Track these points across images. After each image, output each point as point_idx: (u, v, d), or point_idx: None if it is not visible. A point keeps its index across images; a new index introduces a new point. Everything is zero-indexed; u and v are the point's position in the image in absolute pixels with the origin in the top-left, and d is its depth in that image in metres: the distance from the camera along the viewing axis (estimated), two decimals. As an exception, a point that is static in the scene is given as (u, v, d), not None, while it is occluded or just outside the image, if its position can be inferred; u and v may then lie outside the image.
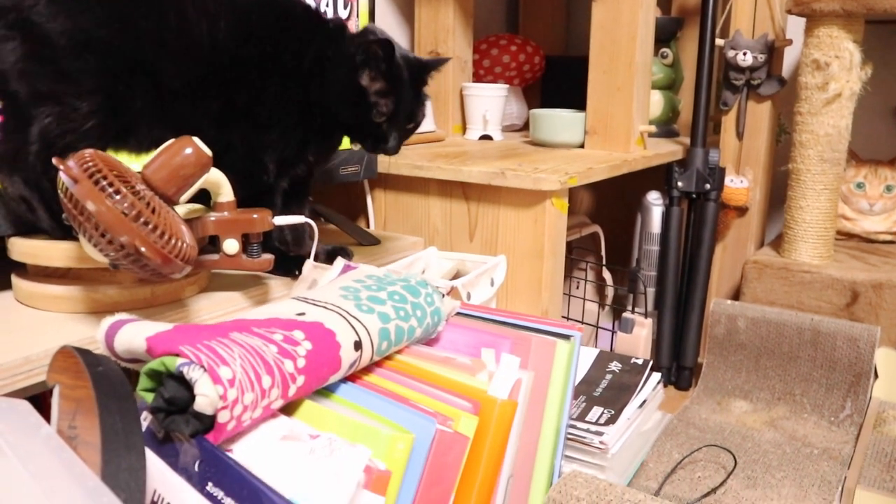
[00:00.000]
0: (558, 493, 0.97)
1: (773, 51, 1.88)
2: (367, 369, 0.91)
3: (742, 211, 1.96)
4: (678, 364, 1.89)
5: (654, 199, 1.97)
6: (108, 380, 0.68)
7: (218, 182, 0.97)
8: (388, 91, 1.10)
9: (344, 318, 0.86)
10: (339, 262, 1.09)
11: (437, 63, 1.17)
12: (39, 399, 0.83)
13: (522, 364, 0.94)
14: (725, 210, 1.96)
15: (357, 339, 0.85)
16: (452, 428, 0.81)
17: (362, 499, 0.69)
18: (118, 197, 0.80)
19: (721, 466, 1.40)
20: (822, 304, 1.70)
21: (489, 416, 0.84)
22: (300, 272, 1.09)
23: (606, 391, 1.29)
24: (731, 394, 1.71)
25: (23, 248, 0.97)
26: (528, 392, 0.91)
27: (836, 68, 1.66)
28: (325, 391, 0.84)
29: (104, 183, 0.81)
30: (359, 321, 0.87)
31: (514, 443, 0.89)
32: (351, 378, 0.88)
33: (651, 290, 2.00)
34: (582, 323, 1.95)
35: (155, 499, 0.71)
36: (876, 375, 1.61)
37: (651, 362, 1.36)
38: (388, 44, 1.07)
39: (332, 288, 0.96)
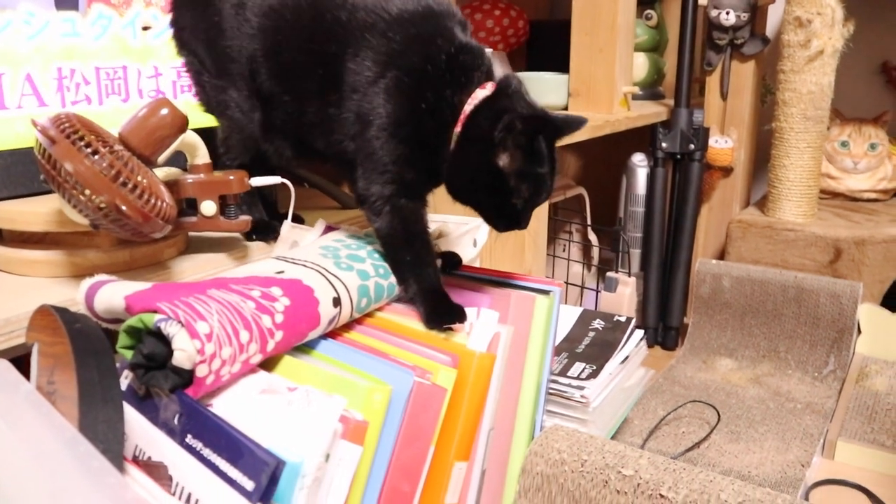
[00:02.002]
0: (540, 445, 0.99)
1: (756, 9, 1.87)
2: (348, 326, 0.91)
3: (727, 171, 1.97)
4: (664, 324, 1.90)
5: (639, 160, 1.98)
6: (86, 335, 0.68)
7: (194, 144, 0.97)
8: (531, 173, 0.91)
9: (322, 275, 0.86)
10: (321, 223, 1.09)
11: (574, 125, 0.94)
12: (21, 361, 0.83)
13: (501, 319, 0.95)
14: (710, 171, 1.96)
15: (336, 296, 0.85)
16: (431, 380, 0.82)
17: (340, 448, 0.70)
18: (96, 157, 0.81)
19: (705, 422, 1.42)
20: (806, 261, 1.71)
21: (468, 368, 0.84)
22: (277, 237, 1.09)
23: (589, 348, 1.30)
24: (717, 352, 1.72)
25: (0, 214, 0.97)
26: (508, 346, 0.92)
27: (817, 25, 1.65)
28: (306, 347, 0.85)
29: (81, 143, 0.81)
30: (337, 278, 0.88)
31: (494, 396, 0.90)
32: (331, 334, 0.89)
33: (637, 252, 2.01)
34: (567, 284, 1.95)
35: (136, 454, 0.72)
36: (859, 331, 1.63)
37: (633, 319, 1.37)
38: (532, 119, 0.89)
39: (311, 247, 0.96)
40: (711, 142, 1.92)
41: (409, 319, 0.94)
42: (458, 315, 0.92)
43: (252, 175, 1.03)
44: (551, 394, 1.16)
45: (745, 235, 1.78)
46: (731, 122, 1.95)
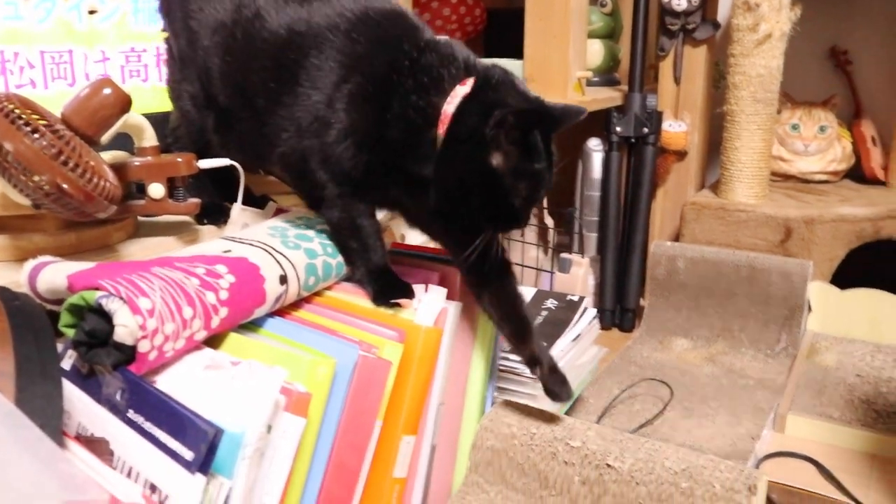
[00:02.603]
0: (490, 420, 1.00)
1: (707, -5, 1.90)
2: (296, 304, 0.92)
3: (681, 155, 1.99)
4: (621, 306, 1.93)
5: (595, 145, 1.99)
6: (25, 312, 0.68)
7: (140, 126, 0.97)
8: (528, 170, 0.86)
9: (269, 253, 0.87)
10: (271, 205, 1.10)
11: (573, 115, 0.90)
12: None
13: (450, 296, 0.96)
14: (665, 155, 1.99)
15: (283, 274, 0.86)
16: (376, 355, 0.82)
17: (283, 420, 0.71)
18: (36, 136, 0.80)
19: (659, 399, 1.44)
20: (758, 241, 1.74)
21: (414, 342, 0.85)
22: (227, 220, 1.09)
23: (541, 326, 1.31)
24: (673, 333, 1.74)
25: (-55, 199, 0.96)
26: (456, 322, 0.93)
27: (765, 9, 1.68)
28: (253, 325, 0.85)
29: (21, 122, 0.80)
30: (284, 256, 0.88)
31: (442, 371, 0.91)
32: (279, 313, 0.89)
33: (593, 235, 2.03)
34: (524, 267, 1.97)
35: (79, 431, 0.72)
36: (809, 308, 1.66)
37: (586, 298, 1.39)
38: (526, 112, 0.84)
39: (260, 228, 0.97)
40: (665, 126, 1.94)
41: (357, 297, 0.94)
42: (405, 291, 0.92)
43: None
44: (502, 371, 1.17)
45: (698, 217, 1.81)
46: (685, 107, 1.98)
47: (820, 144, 1.94)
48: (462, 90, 0.86)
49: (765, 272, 1.65)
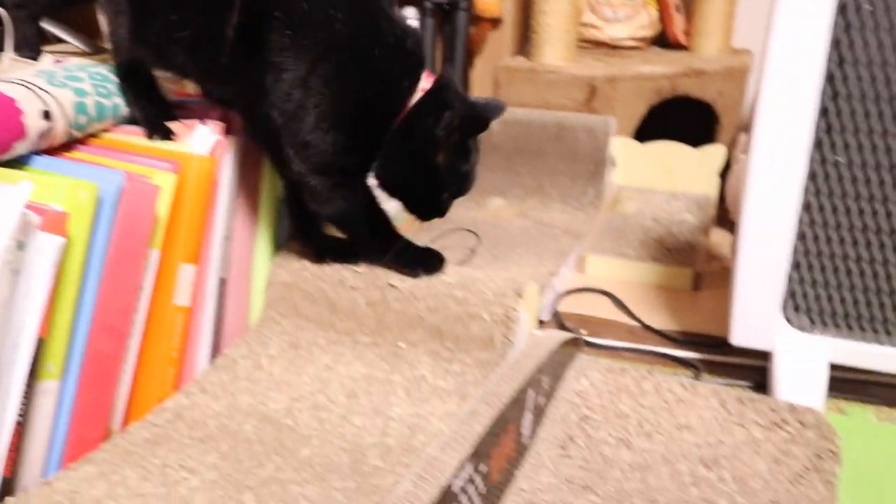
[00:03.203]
0: (282, 257, 1.03)
1: None
2: (69, 146, 0.90)
3: (495, 22, 2.02)
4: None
5: (411, 14, 2.00)
6: None
7: None
8: (461, 170, 0.95)
9: (29, 88, 0.84)
10: (48, 57, 1.06)
11: (496, 112, 0.98)
12: None
13: (231, 132, 0.96)
14: (480, 23, 2.01)
15: (46, 109, 0.84)
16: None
17: (38, 239, 0.71)
18: None
19: (469, 249, 1.50)
20: (566, 101, 1.80)
21: (188, 171, 0.86)
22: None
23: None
24: (489, 192, 1.80)
25: None
26: (236, 156, 0.94)
27: None
28: (17, 162, 0.83)
29: None
30: (48, 93, 0.86)
31: (224, 203, 0.92)
32: (49, 152, 0.87)
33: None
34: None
35: None
36: (614, 163, 1.75)
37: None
38: (469, 119, 0.90)
39: (26, 70, 0.94)
40: (478, -7, 1.96)
41: (136, 138, 0.94)
42: (437, 259, 0.99)
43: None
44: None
45: (510, 81, 1.85)
46: (497, -26, 2.00)
47: (628, 11, 2.02)
48: (423, 86, 0.91)
49: (571, 130, 1.72)
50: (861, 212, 0.92)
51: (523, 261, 1.45)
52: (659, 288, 1.39)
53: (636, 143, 1.76)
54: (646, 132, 1.79)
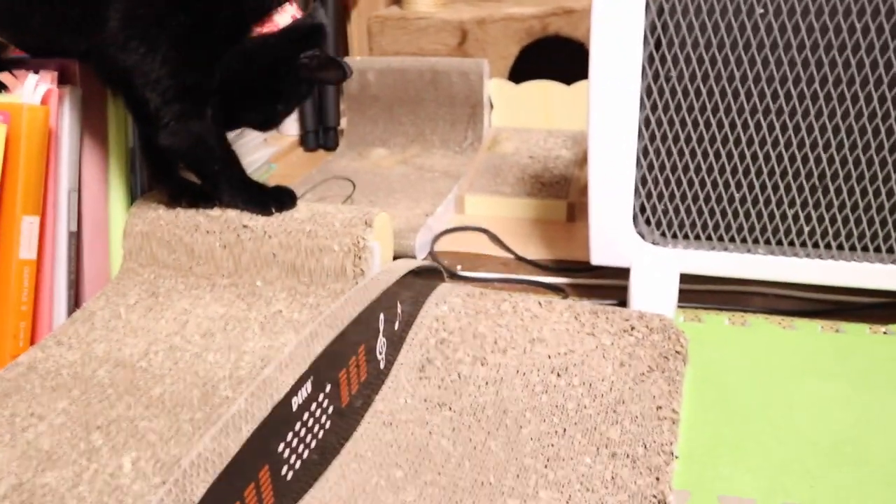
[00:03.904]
0: (138, 207, 1.02)
1: None
2: None
3: (369, -27, 2.02)
4: (323, 126, 1.96)
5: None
6: None
7: None
8: (303, 94, 1.04)
9: None
10: None
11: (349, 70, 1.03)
12: None
13: (70, 83, 0.95)
14: (353, -26, 2.00)
15: None
16: (-27, 134, 0.81)
17: None
18: None
19: (346, 198, 1.51)
20: (439, 46, 1.82)
21: (18, 121, 0.84)
22: None
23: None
24: (371, 144, 1.81)
25: None
26: (76, 107, 0.92)
27: None
28: None
29: None
30: None
31: (67, 155, 0.91)
32: None
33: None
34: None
35: None
36: (492, 106, 1.77)
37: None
38: (331, 66, 0.99)
39: None
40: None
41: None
42: (287, 196, 1.02)
43: None
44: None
45: (383, 30, 1.85)
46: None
47: (500, -45, 2.03)
48: (290, 10, 0.96)
49: (446, 74, 1.73)
50: (696, 124, 0.96)
51: (400, 205, 1.46)
52: (535, 221, 1.42)
53: (511, 84, 1.78)
54: (520, 73, 1.81)
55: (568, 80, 1.77)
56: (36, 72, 0.90)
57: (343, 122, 1.86)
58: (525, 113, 1.77)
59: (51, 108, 0.88)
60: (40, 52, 0.98)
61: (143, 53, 0.87)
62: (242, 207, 0.98)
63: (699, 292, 1.10)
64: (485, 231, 1.38)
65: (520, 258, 1.27)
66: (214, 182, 0.97)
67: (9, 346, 0.86)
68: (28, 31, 0.92)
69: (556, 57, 1.85)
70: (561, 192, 1.47)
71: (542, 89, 1.77)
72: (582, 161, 1.59)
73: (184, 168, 1.01)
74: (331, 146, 1.97)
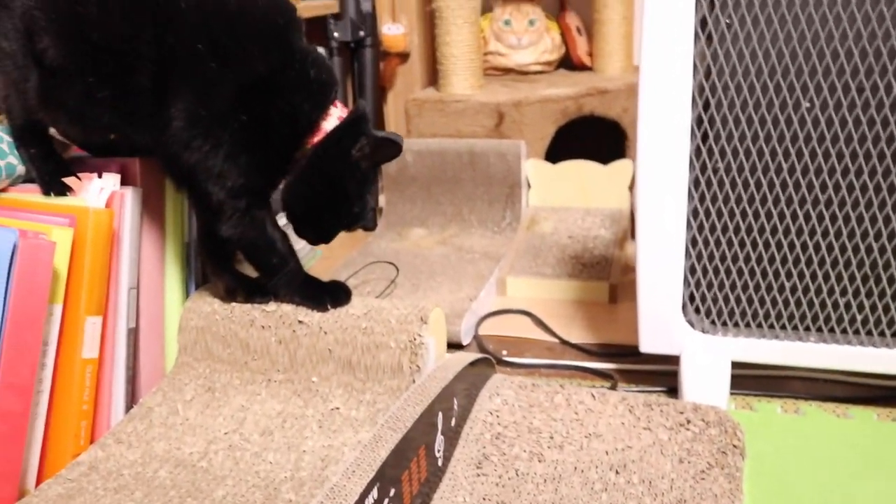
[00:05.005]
0: (193, 302, 1.03)
1: None
2: (-37, 208, 0.90)
3: (404, 57, 2.06)
4: (363, 207, 1.99)
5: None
6: None
7: None
8: (365, 197, 1.02)
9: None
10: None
11: (400, 141, 1.00)
12: None
13: (131, 183, 0.97)
14: (388, 58, 2.05)
15: (-64, 173, 0.84)
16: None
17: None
18: None
19: (389, 280, 1.52)
20: (476, 128, 1.85)
21: (85, 225, 0.86)
22: None
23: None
24: (410, 224, 1.83)
25: None
26: (136, 207, 0.94)
27: None
28: None
29: None
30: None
31: (128, 254, 0.93)
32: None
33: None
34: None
35: None
36: (529, 185, 1.79)
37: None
38: (383, 145, 0.97)
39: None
40: (385, 30, 2.00)
41: (33, 195, 0.94)
42: (343, 292, 1.02)
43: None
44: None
45: (420, 112, 1.89)
46: (402, 9, 2.04)
47: (531, 37, 2.07)
48: (337, 112, 0.96)
49: (483, 155, 1.76)
50: (744, 215, 0.97)
51: (443, 288, 1.48)
52: (577, 303, 1.42)
53: (548, 164, 1.80)
54: (557, 152, 1.84)
55: (603, 156, 1.79)
56: (100, 174, 0.93)
57: (382, 201, 1.88)
58: (562, 192, 1.78)
59: (114, 210, 0.90)
60: (102, 151, 1.02)
61: (207, 151, 0.89)
62: (298, 302, 0.99)
63: (750, 377, 1.09)
64: (528, 314, 1.38)
65: (564, 342, 1.27)
66: (271, 275, 0.99)
67: (70, 446, 0.87)
68: (96, 129, 0.95)
69: (591, 135, 1.87)
70: (602, 273, 1.47)
71: (579, 169, 1.79)
72: (621, 240, 1.60)
73: (240, 261, 1.03)
74: (370, 227, 2.00)
